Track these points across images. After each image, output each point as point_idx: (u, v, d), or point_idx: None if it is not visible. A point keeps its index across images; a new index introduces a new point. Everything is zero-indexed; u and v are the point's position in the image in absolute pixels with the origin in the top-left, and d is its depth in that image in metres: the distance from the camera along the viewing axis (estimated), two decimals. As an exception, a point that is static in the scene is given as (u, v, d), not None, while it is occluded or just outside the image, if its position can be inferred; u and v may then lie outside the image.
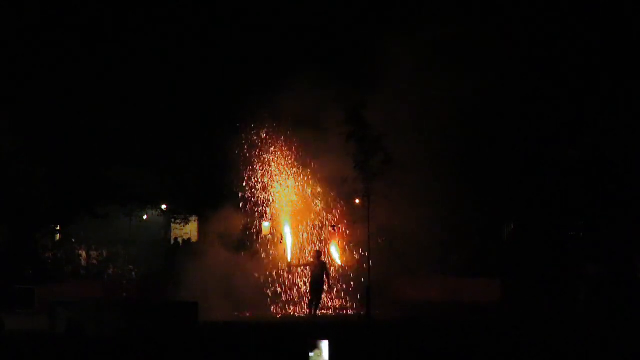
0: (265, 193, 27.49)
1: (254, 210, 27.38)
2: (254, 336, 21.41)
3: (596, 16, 28.21)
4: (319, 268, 25.08)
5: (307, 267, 25.98)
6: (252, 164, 27.40)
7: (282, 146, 27.52)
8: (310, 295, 25.45)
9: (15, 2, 28.56)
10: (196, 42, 30.19)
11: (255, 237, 27.51)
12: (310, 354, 14.03)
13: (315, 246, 26.93)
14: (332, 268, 26.25)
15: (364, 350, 18.52)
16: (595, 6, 28.22)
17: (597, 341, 19.49)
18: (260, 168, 27.53)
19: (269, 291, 27.02)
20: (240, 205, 27.23)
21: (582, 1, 28.50)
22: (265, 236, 27.57)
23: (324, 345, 13.98)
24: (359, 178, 24.51)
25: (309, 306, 25.42)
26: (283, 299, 27.14)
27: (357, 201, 26.71)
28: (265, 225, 27.59)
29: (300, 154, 27.41)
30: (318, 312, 25.47)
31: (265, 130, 27.45)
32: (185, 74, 29.80)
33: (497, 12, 28.02)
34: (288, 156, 27.56)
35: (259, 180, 27.51)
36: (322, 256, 25.75)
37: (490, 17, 27.83)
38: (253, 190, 27.43)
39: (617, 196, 28.23)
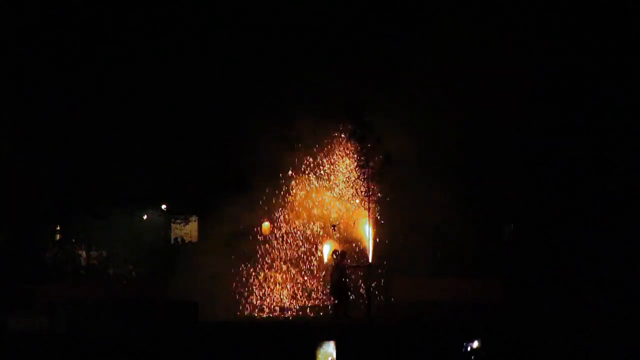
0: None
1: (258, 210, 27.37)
2: (256, 336, 21.37)
3: (596, 16, 28.21)
4: (338, 270, 24.87)
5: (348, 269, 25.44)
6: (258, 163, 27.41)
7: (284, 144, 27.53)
8: (335, 298, 25.05)
9: (15, 2, 28.57)
10: (196, 42, 30.20)
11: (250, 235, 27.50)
12: (315, 354, 14.00)
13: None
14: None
15: (367, 351, 18.52)
16: (596, 6, 28.23)
17: (598, 341, 19.48)
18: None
19: (268, 291, 27.02)
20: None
21: (582, 1, 28.51)
22: (266, 236, 27.53)
23: (330, 345, 13.89)
24: (359, 178, 24.53)
25: (344, 311, 24.88)
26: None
27: (357, 201, 26.70)
28: (266, 225, 27.55)
29: (301, 152, 27.43)
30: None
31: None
32: (185, 74, 29.79)
33: (497, 12, 28.03)
34: (290, 155, 27.56)
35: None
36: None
37: (490, 17, 27.84)
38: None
39: (617, 196, 28.22)
